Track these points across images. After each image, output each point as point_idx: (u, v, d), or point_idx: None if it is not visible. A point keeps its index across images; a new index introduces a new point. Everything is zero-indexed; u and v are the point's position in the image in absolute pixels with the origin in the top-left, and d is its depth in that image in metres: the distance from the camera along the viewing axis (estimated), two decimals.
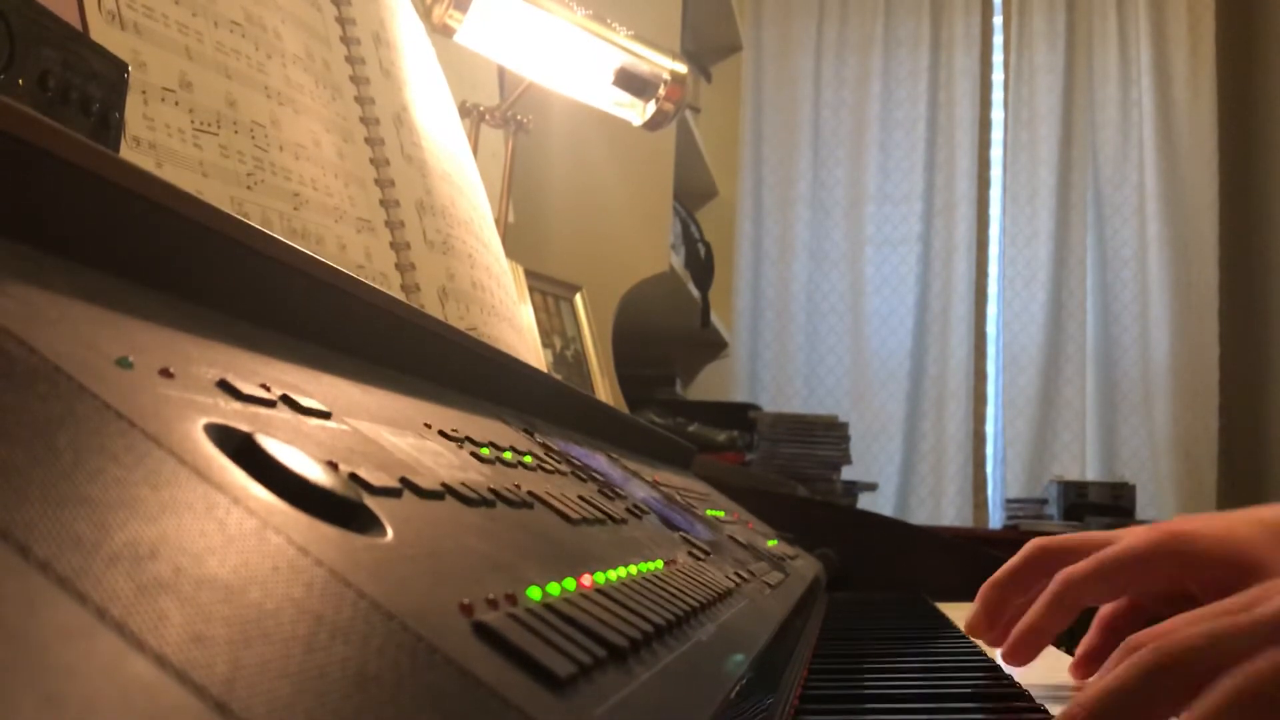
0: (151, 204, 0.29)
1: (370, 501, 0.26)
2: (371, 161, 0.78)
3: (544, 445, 0.57)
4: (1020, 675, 0.61)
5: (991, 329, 3.51)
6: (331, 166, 0.73)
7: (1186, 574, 0.56)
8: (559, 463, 0.54)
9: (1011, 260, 3.50)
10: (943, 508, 3.38)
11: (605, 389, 1.68)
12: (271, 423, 0.27)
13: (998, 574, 0.63)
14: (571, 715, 0.22)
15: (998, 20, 3.59)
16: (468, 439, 0.42)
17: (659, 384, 2.66)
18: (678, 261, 2.21)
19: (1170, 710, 0.40)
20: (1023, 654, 0.60)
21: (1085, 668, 0.62)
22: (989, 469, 3.46)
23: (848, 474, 2.84)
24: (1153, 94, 3.44)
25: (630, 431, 0.97)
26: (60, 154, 0.26)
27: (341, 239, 0.71)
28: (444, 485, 0.32)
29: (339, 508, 0.24)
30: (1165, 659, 0.39)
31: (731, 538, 0.80)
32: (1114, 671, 0.40)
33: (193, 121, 0.61)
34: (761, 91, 3.58)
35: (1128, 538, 0.58)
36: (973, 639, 0.67)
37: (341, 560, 0.22)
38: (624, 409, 1.72)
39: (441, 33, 1.07)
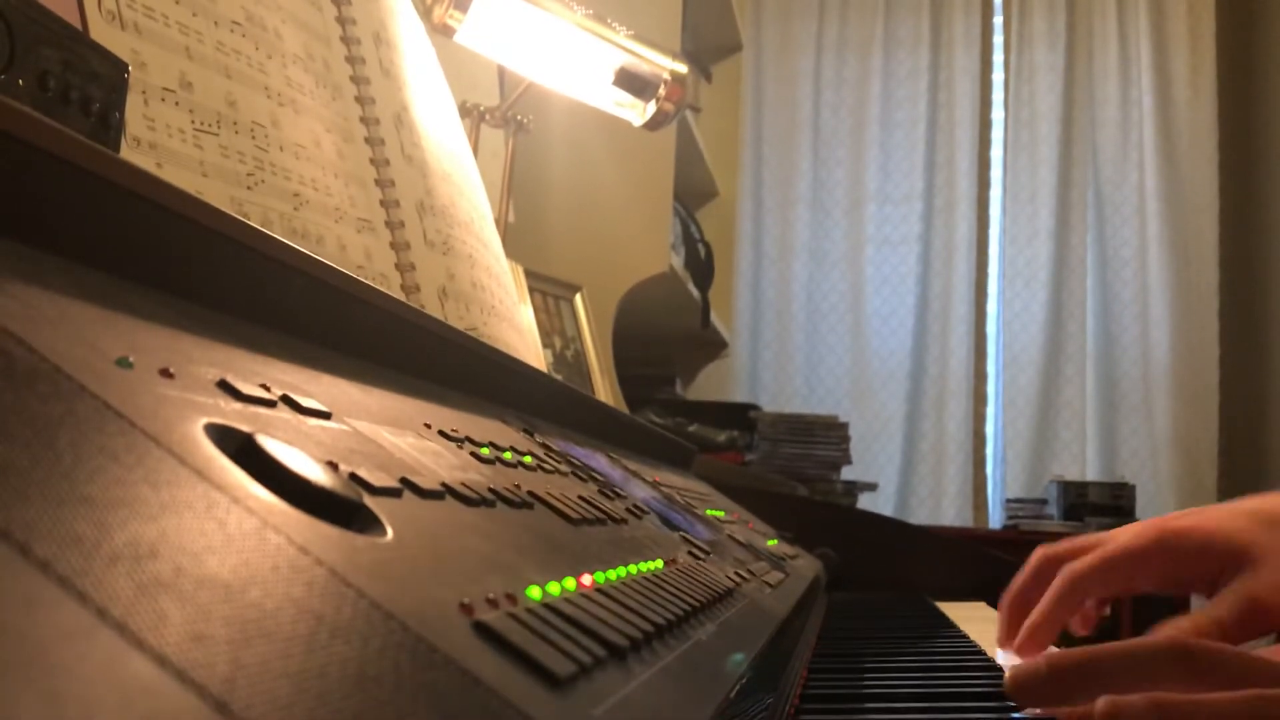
0: (151, 204, 0.29)
1: (370, 501, 0.26)
2: (372, 162, 0.78)
3: (544, 445, 0.56)
4: None
5: (991, 329, 3.51)
6: (332, 166, 0.73)
7: (1181, 568, 0.61)
8: (559, 463, 0.54)
9: (1011, 260, 3.50)
10: (943, 508, 3.38)
11: (605, 389, 1.68)
12: (272, 423, 0.27)
13: (1014, 587, 0.69)
14: (571, 715, 0.22)
15: (998, 20, 3.59)
16: (468, 439, 0.42)
17: (659, 384, 2.66)
18: (678, 262, 2.21)
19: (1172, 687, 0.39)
20: (1033, 647, 0.65)
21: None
22: (989, 469, 3.46)
23: (848, 474, 2.84)
24: (1153, 94, 3.44)
25: (630, 431, 0.97)
26: (60, 154, 0.26)
27: (341, 239, 0.71)
28: (444, 485, 0.32)
29: (339, 508, 0.24)
30: (1186, 649, 0.40)
31: (731, 537, 0.80)
32: (1130, 640, 0.42)
33: (193, 121, 0.61)
34: (761, 91, 3.58)
35: (1123, 536, 0.62)
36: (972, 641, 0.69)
37: (341, 560, 0.22)
38: (624, 409, 1.72)
39: (441, 33, 1.07)
